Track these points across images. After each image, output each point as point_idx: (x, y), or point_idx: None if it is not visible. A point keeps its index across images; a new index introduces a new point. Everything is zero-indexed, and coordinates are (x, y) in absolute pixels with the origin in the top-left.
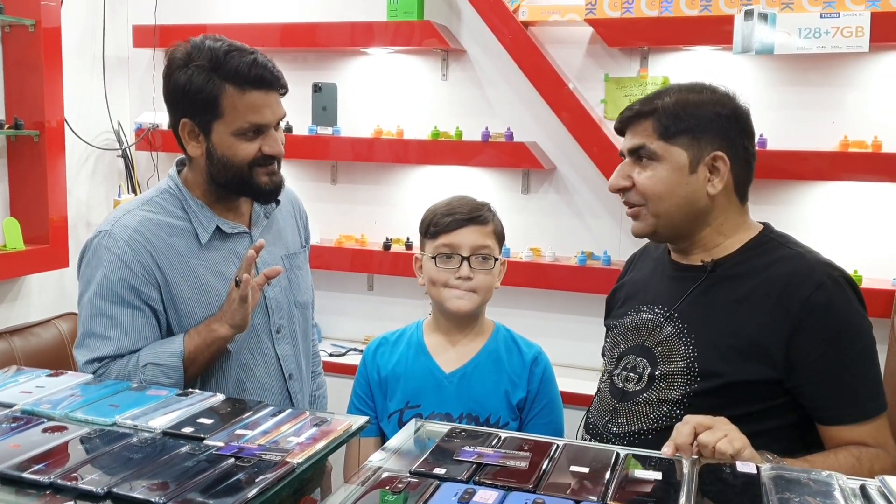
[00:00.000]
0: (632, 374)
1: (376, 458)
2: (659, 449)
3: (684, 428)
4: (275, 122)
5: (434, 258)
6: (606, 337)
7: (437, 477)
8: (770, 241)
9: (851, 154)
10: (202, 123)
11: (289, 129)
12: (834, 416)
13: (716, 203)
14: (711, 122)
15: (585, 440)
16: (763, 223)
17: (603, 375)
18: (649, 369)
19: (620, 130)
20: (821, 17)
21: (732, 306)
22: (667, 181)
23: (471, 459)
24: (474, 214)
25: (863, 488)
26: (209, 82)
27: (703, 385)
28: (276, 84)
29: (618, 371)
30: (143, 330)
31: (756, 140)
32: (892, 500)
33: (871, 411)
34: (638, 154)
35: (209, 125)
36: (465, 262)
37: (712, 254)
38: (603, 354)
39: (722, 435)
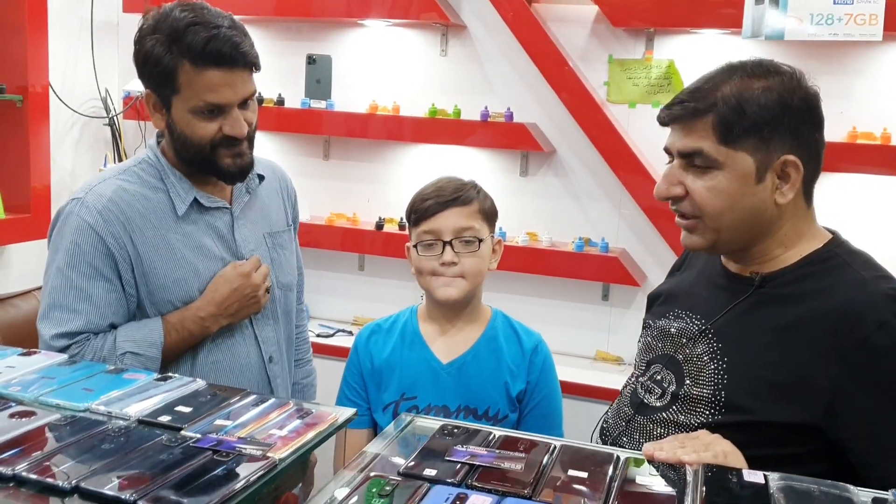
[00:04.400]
0: (655, 387)
1: (366, 454)
2: (666, 473)
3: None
4: (237, 101)
5: (416, 247)
6: (641, 336)
7: (426, 479)
8: (833, 258)
9: (859, 146)
10: (163, 97)
11: (260, 101)
12: (890, 478)
13: (783, 212)
14: (782, 118)
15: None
16: (832, 231)
17: (630, 377)
18: (674, 386)
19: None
20: (834, 2)
21: (774, 334)
22: (729, 193)
23: (463, 460)
24: (455, 195)
25: (877, 501)
26: (167, 55)
27: (727, 418)
28: (239, 61)
29: (644, 379)
30: (113, 304)
31: None
32: None
33: None
34: (691, 158)
35: (169, 99)
36: (448, 247)
37: (766, 266)
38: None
39: (679, 445)
